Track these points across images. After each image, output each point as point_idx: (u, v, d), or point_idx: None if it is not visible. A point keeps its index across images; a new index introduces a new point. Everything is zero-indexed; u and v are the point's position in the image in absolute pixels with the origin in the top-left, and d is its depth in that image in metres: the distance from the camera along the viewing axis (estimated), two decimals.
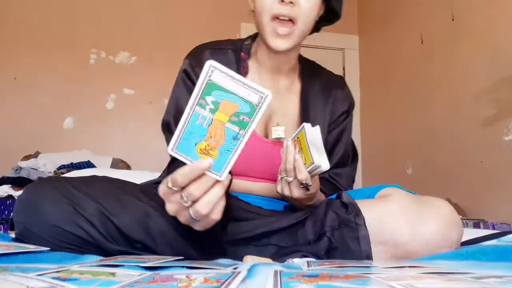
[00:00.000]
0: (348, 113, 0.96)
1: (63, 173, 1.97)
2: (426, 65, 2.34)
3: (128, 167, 2.46)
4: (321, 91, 0.94)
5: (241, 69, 0.87)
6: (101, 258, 0.61)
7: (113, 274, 0.42)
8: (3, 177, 1.92)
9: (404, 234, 0.67)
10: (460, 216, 1.88)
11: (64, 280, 0.38)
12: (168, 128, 0.89)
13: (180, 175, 0.53)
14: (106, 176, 0.77)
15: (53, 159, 2.15)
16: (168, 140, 0.89)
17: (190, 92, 0.83)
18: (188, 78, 0.87)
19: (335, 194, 0.82)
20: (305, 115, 0.90)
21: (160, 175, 0.93)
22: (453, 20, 2.12)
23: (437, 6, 2.25)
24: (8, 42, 2.54)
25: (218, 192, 0.55)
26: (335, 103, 0.94)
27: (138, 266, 0.48)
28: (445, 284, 0.38)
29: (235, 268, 0.50)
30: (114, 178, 0.77)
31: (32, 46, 2.57)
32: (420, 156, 2.37)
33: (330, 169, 0.92)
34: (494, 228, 1.44)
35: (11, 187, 1.82)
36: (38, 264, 0.52)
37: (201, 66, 0.86)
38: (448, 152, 2.12)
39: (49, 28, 2.61)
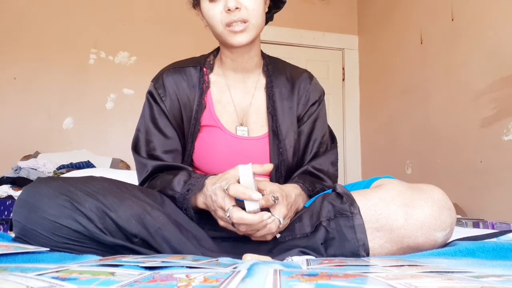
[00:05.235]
0: (320, 102, 1.00)
1: (63, 173, 1.96)
2: (426, 65, 2.34)
3: (127, 167, 2.46)
4: (286, 83, 0.98)
5: (203, 84, 0.94)
6: (100, 258, 0.61)
7: (112, 273, 0.42)
8: (2, 177, 1.92)
9: (399, 219, 0.70)
10: (460, 216, 1.87)
11: (63, 279, 0.38)
12: (135, 149, 0.93)
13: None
14: (103, 176, 0.78)
15: (52, 159, 2.15)
16: (137, 162, 0.91)
17: (153, 111, 0.92)
18: (152, 98, 0.94)
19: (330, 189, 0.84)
20: (272, 107, 0.95)
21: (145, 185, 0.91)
22: (452, 20, 2.12)
23: (437, 6, 2.25)
24: (8, 42, 2.53)
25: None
26: (305, 94, 0.98)
27: (137, 266, 0.48)
28: (445, 283, 0.38)
29: (234, 268, 0.50)
30: (111, 178, 0.78)
31: (32, 46, 2.56)
32: (419, 156, 2.37)
33: (311, 160, 0.94)
34: (493, 228, 1.44)
35: (10, 187, 1.81)
36: (38, 264, 0.52)
37: (162, 87, 0.93)
38: (448, 152, 2.12)
39: (49, 28, 2.61)
